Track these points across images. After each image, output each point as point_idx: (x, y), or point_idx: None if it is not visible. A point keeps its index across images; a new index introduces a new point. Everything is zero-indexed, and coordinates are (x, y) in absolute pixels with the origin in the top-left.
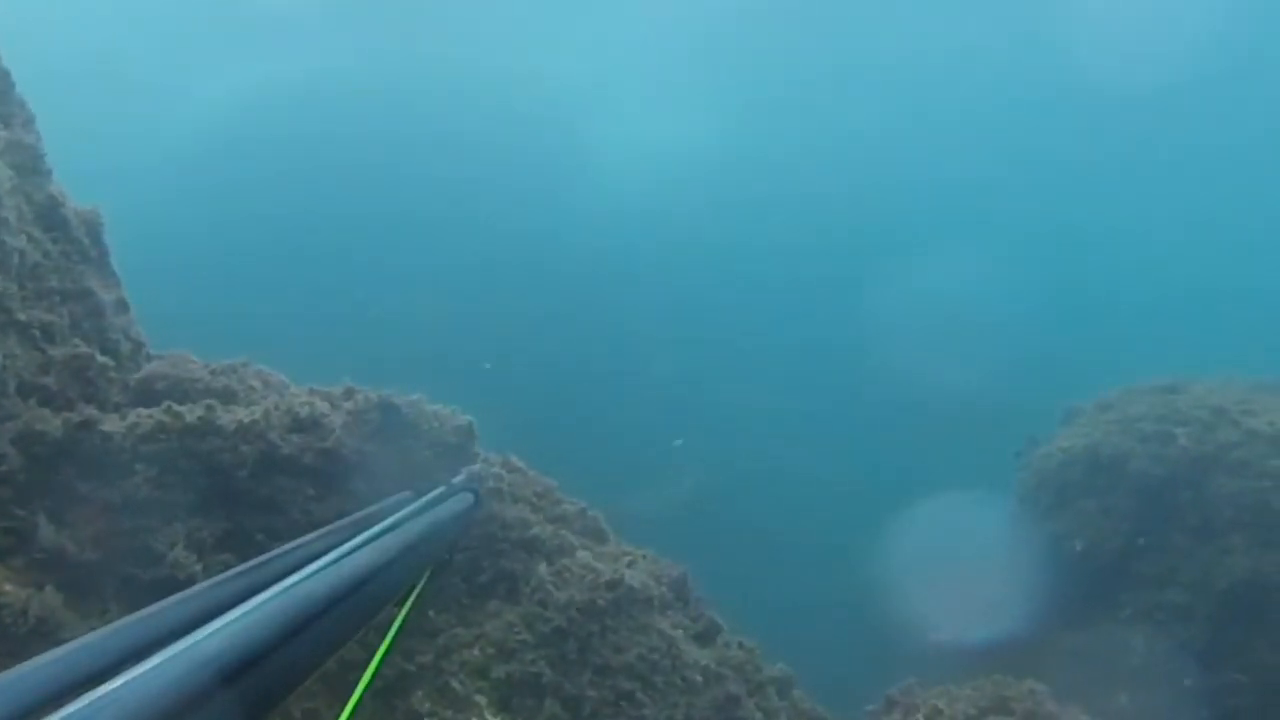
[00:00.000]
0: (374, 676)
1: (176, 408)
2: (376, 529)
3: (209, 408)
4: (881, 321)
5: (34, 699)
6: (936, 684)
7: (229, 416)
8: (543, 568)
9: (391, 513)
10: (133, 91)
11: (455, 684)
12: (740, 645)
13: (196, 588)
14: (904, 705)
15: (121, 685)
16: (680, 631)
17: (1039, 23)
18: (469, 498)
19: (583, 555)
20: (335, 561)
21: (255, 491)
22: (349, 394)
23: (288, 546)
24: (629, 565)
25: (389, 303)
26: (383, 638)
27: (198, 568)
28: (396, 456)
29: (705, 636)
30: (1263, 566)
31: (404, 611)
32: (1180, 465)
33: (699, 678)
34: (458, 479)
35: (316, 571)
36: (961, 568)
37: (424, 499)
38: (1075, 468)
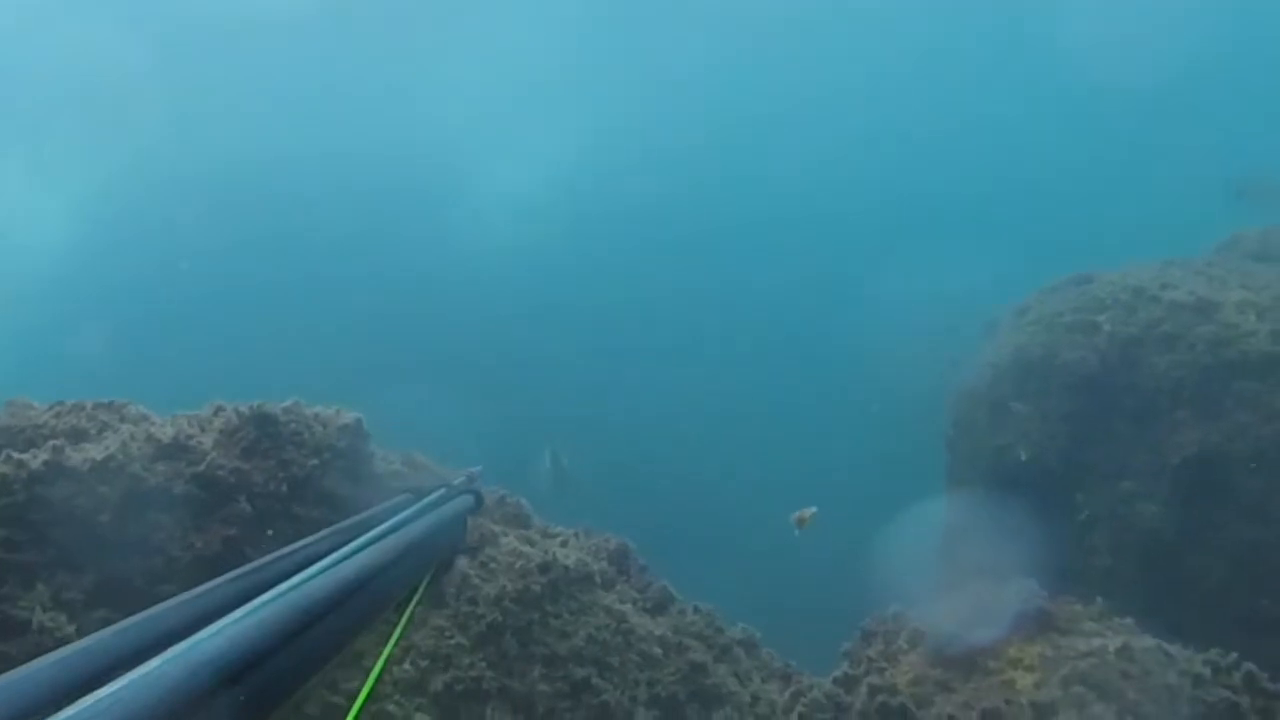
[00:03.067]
0: (379, 677)
1: (17, 455)
2: (377, 531)
3: (55, 450)
4: (872, 324)
5: (38, 700)
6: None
7: (80, 456)
8: (464, 562)
9: (392, 515)
10: None
11: (392, 706)
12: (696, 610)
13: (198, 589)
14: (884, 634)
15: (123, 686)
16: (629, 605)
17: (1029, 19)
18: (469, 500)
19: (507, 542)
20: (337, 563)
21: (124, 534)
22: (217, 411)
23: (289, 549)
24: (561, 544)
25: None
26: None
27: (71, 629)
28: (279, 469)
29: (658, 607)
30: (1212, 437)
31: (408, 611)
32: (1109, 352)
33: (658, 650)
34: (458, 480)
35: (318, 573)
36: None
37: (424, 501)
38: (1005, 378)
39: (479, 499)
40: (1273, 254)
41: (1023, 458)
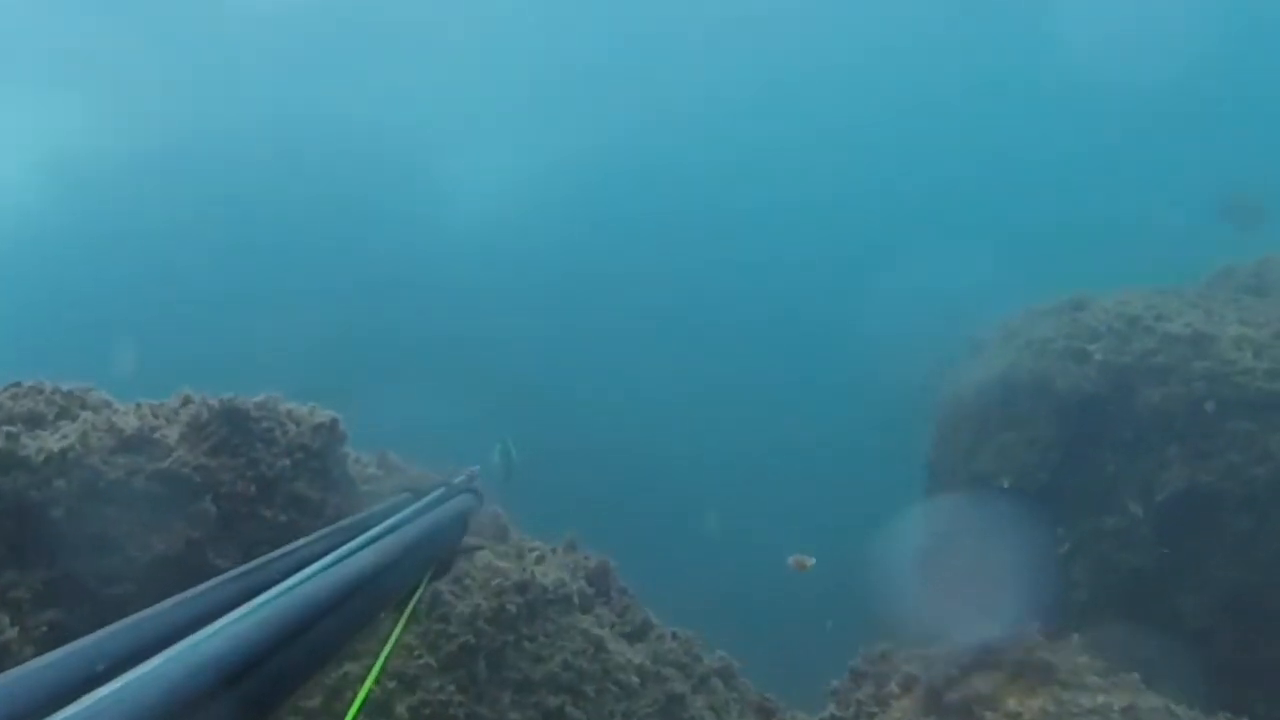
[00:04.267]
0: (376, 680)
1: None
2: (376, 530)
3: (9, 436)
4: (859, 326)
5: (34, 701)
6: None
7: (36, 444)
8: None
9: (392, 514)
10: None
11: None
12: (675, 635)
13: (197, 589)
14: (874, 676)
15: (121, 687)
16: (607, 630)
17: (1029, 22)
18: (469, 499)
19: (483, 556)
20: (336, 563)
21: (79, 530)
22: (185, 401)
23: (289, 548)
24: (538, 561)
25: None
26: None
27: (13, 632)
28: (247, 468)
29: (636, 632)
30: (1202, 476)
31: (406, 612)
32: (1101, 382)
33: (635, 679)
34: (458, 479)
35: (317, 573)
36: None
37: (424, 500)
38: (991, 400)
39: (479, 499)
40: (1267, 287)
41: (1005, 485)
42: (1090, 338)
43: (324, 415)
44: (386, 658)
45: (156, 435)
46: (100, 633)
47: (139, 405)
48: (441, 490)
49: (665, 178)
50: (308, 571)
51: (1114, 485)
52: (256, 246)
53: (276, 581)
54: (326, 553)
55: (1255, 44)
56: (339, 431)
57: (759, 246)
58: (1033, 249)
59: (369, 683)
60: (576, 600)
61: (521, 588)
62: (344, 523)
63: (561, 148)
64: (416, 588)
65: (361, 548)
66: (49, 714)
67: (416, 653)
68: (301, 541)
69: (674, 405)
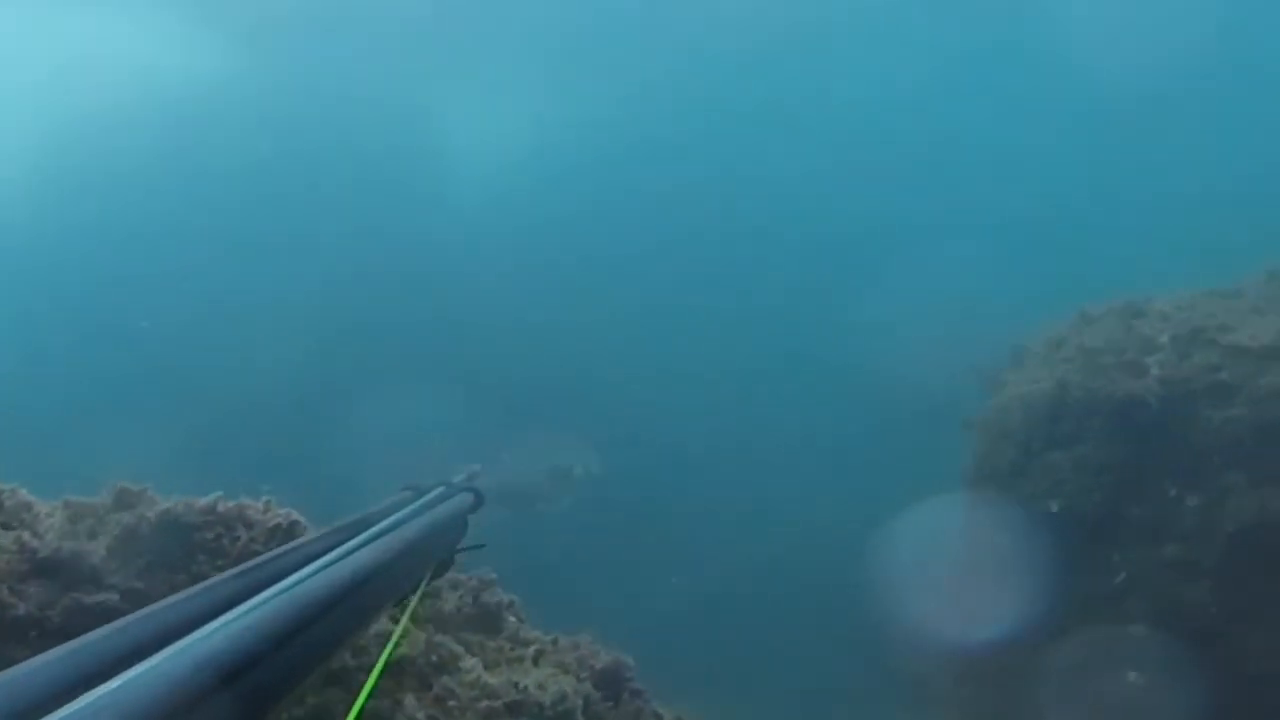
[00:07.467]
0: (380, 676)
1: None
2: (376, 529)
3: None
4: (874, 334)
5: (35, 698)
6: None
7: None
8: (410, 701)
9: (392, 512)
10: None
11: None
12: None
13: (197, 587)
14: None
15: (121, 685)
16: None
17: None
18: (469, 497)
19: (470, 666)
20: (336, 561)
21: None
22: (119, 499)
23: (288, 547)
24: (535, 660)
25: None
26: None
27: None
28: (187, 585)
29: None
30: (1272, 504)
31: (408, 610)
32: (1159, 400)
33: None
34: (458, 478)
35: (317, 571)
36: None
37: (424, 499)
38: (1037, 416)
39: (479, 497)
40: None
41: (1054, 509)
42: (1147, 349)
43: (281, 516)
44: (388, 658)
45: (80, 558)
46: (100, 631)
47: (66, 504)
48: (441, 489)
49: (661, 164)
50: (307, 570)
51: (1174, 513)
52: (250, 237)
53: (277, 579)
54: (326, 551)
55: (1256, 37)
56: (298, 534)
57: (759, 234)
58: (1037, 246)
59: (370, 682)
60: (580, 716)
61: (514, 708)
62: (343, 522)
63: (569, 118)
64: (418, 585)
65: (361, 547)
66: (50, 711)
67: None
68: (301, 540)
69: (674, 393)
